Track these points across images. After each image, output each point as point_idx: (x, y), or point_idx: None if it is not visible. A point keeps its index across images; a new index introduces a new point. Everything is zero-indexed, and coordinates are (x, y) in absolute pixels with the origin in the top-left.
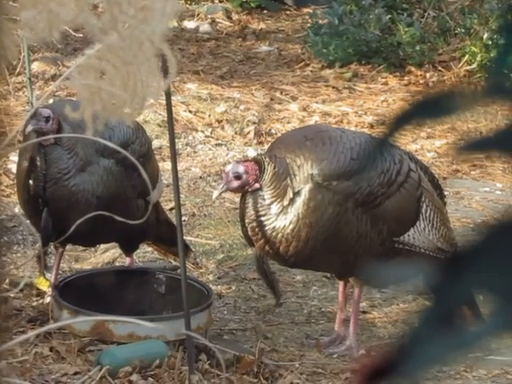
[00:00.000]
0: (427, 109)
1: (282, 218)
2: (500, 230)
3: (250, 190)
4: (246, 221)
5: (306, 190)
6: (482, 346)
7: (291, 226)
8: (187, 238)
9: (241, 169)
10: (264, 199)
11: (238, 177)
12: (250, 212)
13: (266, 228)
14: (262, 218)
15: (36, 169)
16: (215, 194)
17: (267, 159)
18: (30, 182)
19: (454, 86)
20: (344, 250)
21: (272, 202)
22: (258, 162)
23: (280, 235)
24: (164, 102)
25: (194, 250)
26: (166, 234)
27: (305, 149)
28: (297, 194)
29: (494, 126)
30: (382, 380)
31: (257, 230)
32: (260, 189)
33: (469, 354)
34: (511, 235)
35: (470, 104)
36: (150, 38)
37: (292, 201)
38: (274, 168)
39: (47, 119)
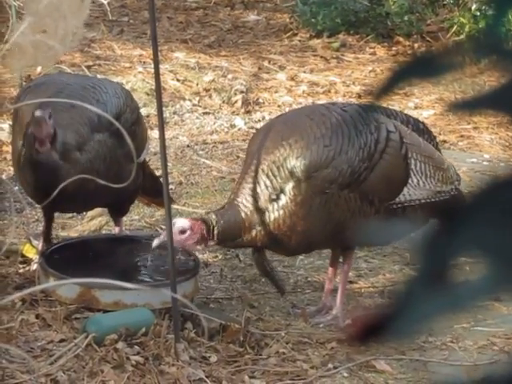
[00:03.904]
0: (419, 68)
1: (274, 222)
2: (494, 188)
3: (206, 247)
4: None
5: (289, 187)
6: (475, 305)
7: (286, 224)
8: (174, 206)
9: (187, 224)
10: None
11: (182, 231)
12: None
13: (261, 236)
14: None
15: (37, 177)
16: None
17: (214, 218)
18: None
19: (445, 46)
20: (339, 229)
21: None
22: (205, 221)
23: (279, 234)
24: (152, 71)
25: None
26: (151, 186)
27: (282, 149)
28: (281, 192)
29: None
30: (375, 337)
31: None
32: (217, 243)
33: (462, 313)
34: (506, 193)
35: (461, 63)
36: None
37: (277, 202)
38: (221, 221)
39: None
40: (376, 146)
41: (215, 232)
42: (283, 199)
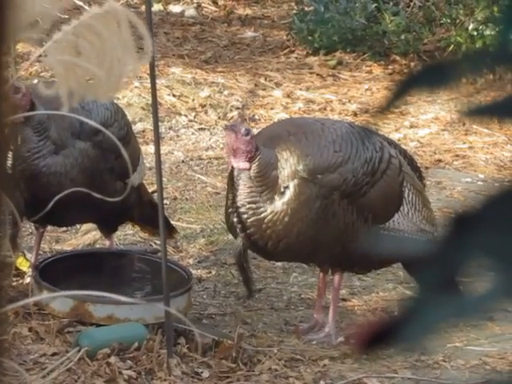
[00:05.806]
0: (430, 76)
1: (274, 214)
2: (501, 196)
3: (237, 165)
4: (241, 209)
5: (294, 184)
6: (482, 313)
7: (284, 222)
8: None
9: (251, 130)
10: (252, 188)
11: (247, 133)
12: (241, 201)
13: (256, 219)
14: (253, 207)
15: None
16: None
17: (260, 148)
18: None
19: (456, 56)
20: (331, 242)
21: (262, 191)
22: (257, 146)
23: (270, 231)
24: (148, 86)
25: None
26: (149, 216)
27: (290, 143)
28: (286, 188)
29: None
30: (381, 344)
31: (246, 219)
32: (248, 170)
33: (469, 321)
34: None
35: (473, 71)
36: (127, 16)
37: (282, 196)
38: (263, 157)
39: (16, 90)
40: (379, 164)
41: (258, 158)
42: (288, 194)
